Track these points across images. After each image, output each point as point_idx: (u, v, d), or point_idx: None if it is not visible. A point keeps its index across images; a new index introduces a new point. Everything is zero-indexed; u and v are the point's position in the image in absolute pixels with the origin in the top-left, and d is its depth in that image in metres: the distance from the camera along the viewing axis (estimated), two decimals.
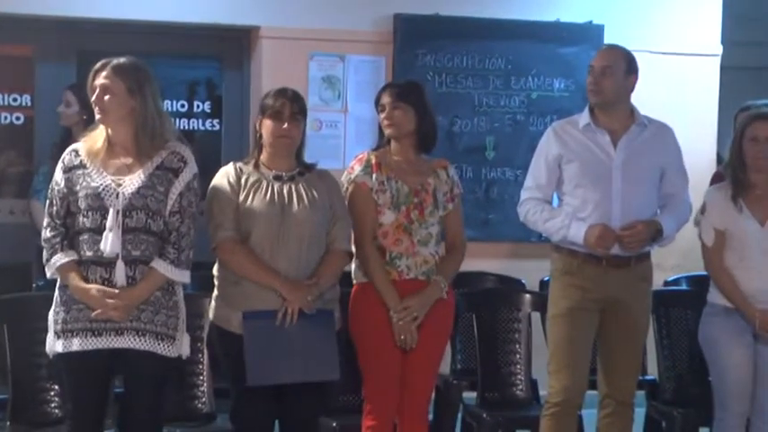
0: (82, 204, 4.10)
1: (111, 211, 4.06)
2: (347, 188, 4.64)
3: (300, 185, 4.43)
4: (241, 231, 4.34)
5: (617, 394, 4.90)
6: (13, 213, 6.70)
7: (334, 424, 4.82)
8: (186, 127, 6.84)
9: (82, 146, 4.19)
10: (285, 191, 4.40)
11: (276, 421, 4.49)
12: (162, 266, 4.11)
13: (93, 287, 4.07)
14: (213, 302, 4.46)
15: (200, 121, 6.96)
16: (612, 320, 4.83)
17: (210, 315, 4.47)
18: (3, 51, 6.71)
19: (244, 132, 6.69)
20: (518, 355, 5.43)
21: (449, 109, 6.79)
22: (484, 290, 5.96)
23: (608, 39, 6.73)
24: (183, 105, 6.91)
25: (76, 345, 4.08)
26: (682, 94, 7.07)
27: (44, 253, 4.16)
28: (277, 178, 4.42)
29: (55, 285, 4.20)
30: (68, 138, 5.58)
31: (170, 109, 6.68)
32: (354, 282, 4.70)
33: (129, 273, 4.08)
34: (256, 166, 4.45)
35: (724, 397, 4.94)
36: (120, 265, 4.07)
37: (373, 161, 4.66)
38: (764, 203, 4.93)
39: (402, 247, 4.62)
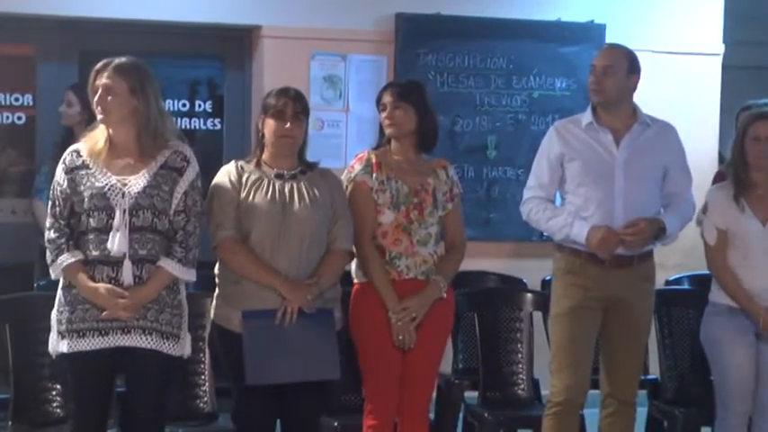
0: (87, 204, 4.09)
1: (117, 210, 4.05)
2: (347, 187, 4.64)
3: (302, 184, 4.42)
4: (242, 230, 4.34)
5: (619, 394, 4.89)
6: (15, 213, 6.69)
7: (336, 423, 4.82)
8: (188, 126, 6.82)
9: (83, 146, 4.18)
10: (286, 189, 4.39)
11: (278, 421, 4.49)
12: (170, 265, 4.11)
13: (102, 286, 4.06)
14: (214, 302, 4.46)
15: (202, 120, 6.95)
16: (615, 320, 4.83)
17: (211, 314, 4.47)
18: (4, 51, 6.69)
19: (245, 132, 6.69)
20: (520, 355, 5.44)
21: (450, 108, 6.78)
22: (485, 289, 5.95)
23: (609, 38, 6.72)
24: (184, 105, 6.89)
25: (83, 344, 4.07)
26: (683, 94, 7.05)
27: (48, 253, 4.14)
28: (278, 177, 4.41)
29: (57, 285, 4.19)
30: (70, 137, 5.56)
31: (172, 108, 6.66)
32: (355, 281, 4.71)
33: (135, 272, 4.08)
34: (258, 164, 4.44)
35: (726, 396, 4.94)
36: (127, 264, 4.07)
37: (373, 160, 4.66)
38: (766, 203, 4.93)
39: (401, 246, 4.62)
